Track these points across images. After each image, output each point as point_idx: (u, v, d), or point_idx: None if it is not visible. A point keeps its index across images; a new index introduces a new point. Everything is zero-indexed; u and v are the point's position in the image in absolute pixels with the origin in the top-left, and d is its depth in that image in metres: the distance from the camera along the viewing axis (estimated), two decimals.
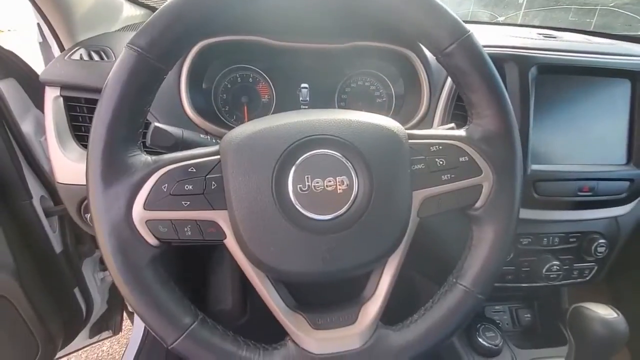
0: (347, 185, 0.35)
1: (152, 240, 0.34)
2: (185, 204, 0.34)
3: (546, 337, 0.75)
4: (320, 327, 0.37)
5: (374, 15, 0.37)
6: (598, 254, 0.66)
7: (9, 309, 0.66)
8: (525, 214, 0.61)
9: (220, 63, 0.65)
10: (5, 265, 0.63)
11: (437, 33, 0.36)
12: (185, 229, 0.34)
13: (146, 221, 0.33)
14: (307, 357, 0.36)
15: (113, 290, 0.97)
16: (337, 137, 0.35)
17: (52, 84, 0.56)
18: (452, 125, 0.47)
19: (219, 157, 0.35)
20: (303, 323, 0.37)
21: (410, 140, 0.38)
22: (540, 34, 0.73)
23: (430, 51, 0.39)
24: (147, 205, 0.33)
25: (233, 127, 0.65)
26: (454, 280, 0.39)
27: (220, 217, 0.34)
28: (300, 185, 0.34)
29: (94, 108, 0.33)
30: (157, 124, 0.40)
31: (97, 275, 0.91)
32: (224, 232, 0.35)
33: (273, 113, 0.68)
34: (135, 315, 0.59)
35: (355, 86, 0.69)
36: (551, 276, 0.64)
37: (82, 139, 0.58)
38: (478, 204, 0.39)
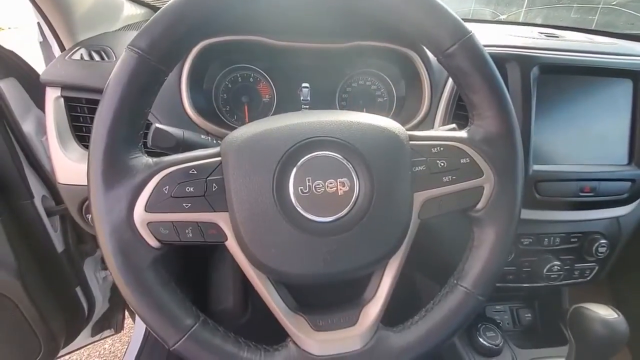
0: (348, 187, 0.35)
1: (153, 242, 0.34)
2: (187, 206, 0.34)
3: (547, 337, 0.75)
4: (321, 328, 0.38)
5: (374, 15, 0.37)
6: (599, 254, 0.66)
7: (11, 308, 0.66)
8: (527, 214, 0.61)
9: (221, 63, 0.65)
10: (7, 265, 0.63)
11: (438, 34, 0.36)
12: (187, 231, 0.34)
13: (147, 223, 0.33)
14: (308, 358, 0.36)
15: (115, 289, 0.98)
16: (338, 139, 0.35)
17: (52, 85, 0.56)
18: (454, 125, 0.47)
19: (219, 158, 0.35)
20: (304, 324, 0.38)
21: (411, 142, 0.38)
22: (542, 33, 0.73)
23: (432, 52, 0.39)
24: (149, 208, 0.33)
25: (234, 127, 0.65)
26: (455, 281, 0.39)
27: (221, 219, 0.35)
28: (302, 187, 0.34)
29: (95, 108, 0.33)
30: (158, 125, 0.40)
31: (99, 274, 0.91)
32: (225, 234, 0.35)
33: (274, 113, 0.68)
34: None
35: (356, 86, 0.68)
36: (552, 276, 0.64)
37: (83, 139, 0.58)
38: (479, 206, 0.39)
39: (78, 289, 0.82)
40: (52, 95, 0.56)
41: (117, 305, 1.01)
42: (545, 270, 0.64)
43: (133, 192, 0.33)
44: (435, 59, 0.39)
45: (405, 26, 0.37)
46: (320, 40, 0.61)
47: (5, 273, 0.63)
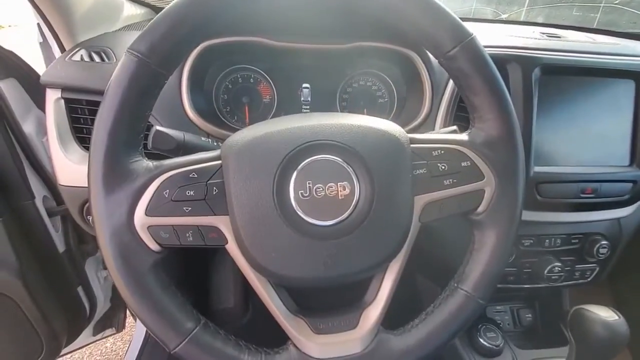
0: (349, 190, 0.35)
1: (153, 245, 0.34)
2: (187, 209, 0.34)
3: (547, 338, 0.76)
4: (322, 331, 0.38)
5: (375, 16, 0.37)
6: (600, 256, 0.66)
7: (13, 309, 0.66)
8: (528, 215, 0.61)
9: (221, 64, 0.64)
10: (9, 265, 0.64)
11: (439, 36, 0.36)
12: (187, 235, 0.34)
13: (148, 227, 0.33)
14: None
15: (116, 288, 0.98)
16: (339, 143, 0.35)
17: (53, 86, 0.56)
18: (455, 127, 0.47)
19: (220, 162, 0.35)
20: (304, 327, 0.38)
21: (412, 145, 0.38)
22: (543, 33, 0.72)
23: (433, 54, 0.39)
24: (149, 211, 0.33)
25: (234, 128, 0.65)
26: (455, 284, 0.39)
27: (222, 223, 0.35)
28: (302, 191, 0.34)
29: (96, 110, 0.33)
30: (158, 128, 0.40)
31: (100, 274, 0.91)
32: (225, 237, 0.35)
33: (274, 113, 0.67)
34: None
35: (357, 86, 0.68)
36: (553, 277, 0.64)
37: (83, 140, 0.58)
38: (480, 209, 0.39)
39: (79, 289, 0.82)
40: (52, 97, 0.56)
41: (119, 305, 1.01)
42: (546, 271, 0.64)
43: (133, 196, 0.33)
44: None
45: (406, 27, 0.37)
46: (321, 41, 0.61)
47: (7, 273, 0.64)
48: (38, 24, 0.65)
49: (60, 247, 0.76)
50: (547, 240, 0.66)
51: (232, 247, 0.35)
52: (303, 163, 0.34)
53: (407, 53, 0.61)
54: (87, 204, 0.55)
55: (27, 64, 0.70)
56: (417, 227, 0.38)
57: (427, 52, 0.61)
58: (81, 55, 0.58)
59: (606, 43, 0.70)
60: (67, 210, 0.62)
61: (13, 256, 0.64)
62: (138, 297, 0.33)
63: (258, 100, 0.67)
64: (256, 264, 0.35)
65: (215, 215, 0.34)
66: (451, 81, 0.60)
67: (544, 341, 0.75)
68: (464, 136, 0.39)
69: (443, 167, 0.37)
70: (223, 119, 0.66)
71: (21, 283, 0.65)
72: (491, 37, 0.65)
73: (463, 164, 0.38)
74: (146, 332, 0.91)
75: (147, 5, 0.84)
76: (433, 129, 0.61)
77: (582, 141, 0.63)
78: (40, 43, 0.67)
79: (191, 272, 0.97)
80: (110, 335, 1.06)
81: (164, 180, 0.34)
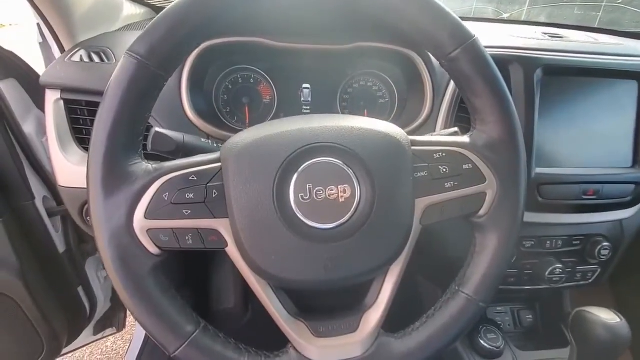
0: (350, 193, 0.34)
1: (153, 249, 0.33)
2: (187, 212, 0.33)
3: (548, 339, 0.75)
4: (322, 334, 0.37)
5: (376, 16, 0.36)
6: (602, 257, 0.66)
7: (13, 309, 0.66)
8: (529, 217, 0.61)
9: (221, 64, 0.64)
10: (9, 266, 0.64)
11: (441, 37, 0.36)
12: (187, 238, 0.34)
13: (147, 230, 0.33)
14: None
15: None
16: (339, 145, 0.35)
17: (52, 87, 0.56)
18: (456, 129, 0.47)
19: (220, 164, 0.35)
20: (305, 330, 0.37)
21: (413, 147, 0.37)
22: (545, 33, 0.72)
23: (434, 56, 0.38)
24: (148, 215, 0.33)
25: (234, 129, 0.65)
26: (457, 287, 0.39)
27: (222, 226, 0.34)
28: (302, 194, 0.34)
29: (95, 111, 0.33)
30: (157, 129, 0.40)
31: (101, 274, 0.91)
32: (225, 240, 0.35)
33: (275, 114, 0.67)
34: None
35: (357, 87, 0.68)
36: (554, 279, 0.64)
37: (83, 141, 0.58)
38: (481, 212, 0.38)
39: (80, 289, 0.82)
40: (52, 98, 0.56)
41: (119, 305, 1.01)
42: (547, 272, 0.64)
43: (133, 198, 0.33)
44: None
45: (407, 29, 0.36)
46: (322, 42, 0.60)
47: (7, 273, 0.64)
48: (38, 24, 0.65)
49: (61, 247, 0.76)
50: (548, 242, 0.65)
51: (232, 250, 0.35)
52: (303, 166, 0.34)
53: (408, 53, 0.61)
54: (87, 205, 0.55)
55: (27, 64, 0.70)
56: (418, 230, 0.38)
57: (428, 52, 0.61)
58: (81, 56, 0.58)
59: (609, 43, 0.70)
60: (67, 210, 0.62)
61: (13, 256, 0.64)
62: (137, 300, 0.33)
63: (258, 100, 0.66)
64: (256, 267, 0.35)
65: (215, 218, 0.34)
66: (452, 82, 0.60)
67: (544, 342, 0.75)
68: (465, 139, 0.39)
69: (444, 170, 0.37)
70: (223, 119, 0.66)
71: (22, 283, 0.65)
72: (493, 37, 0.64)
73: (464, 166, 0.38)
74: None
75: (147, 4, 0.83)
76: (434, 130, 0.60)
77: (584, 142, 0.62)
78: (40, 43, 0.67)
79: (191, 273, 0.97)
80: (111, 334, 1.06)
81: (163, 183, 0.33)
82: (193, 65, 0.57)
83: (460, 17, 0.36)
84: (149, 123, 0.46)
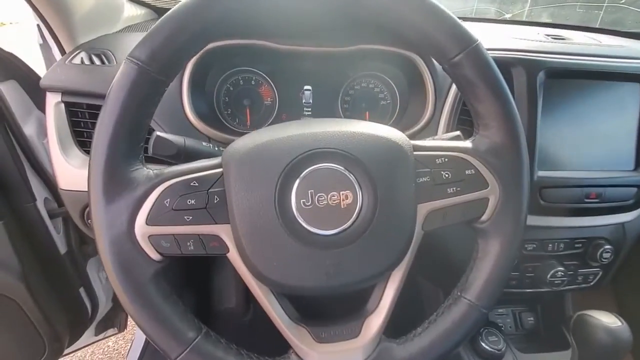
0: (351, 199, 0.34)
1: (154, 255, 0.33)
2: (188, 218, 0.33)
3: (549, 341, 0.75)
4: (324, 340, 0.37)
5: (378, 21, 0.36)
6: (603, 260, 0.65)
7: (15, 310, 0.66)
8: (531, 220, 0.60)
9: (223, 66, 0.64)
10: (11, 267, 0.64)
11: (443, 42, 0.35)
12: (188, 244, 0.34)
13: (149, 236, 0.33)
14: None
15: None
16: (341, 151, 0.35)
17: (53, 90, 0.56)
18: (458, 133, 0.46)
19: (221, 170, 0.35)
20: (306, 336, 0.37)
21: (415, 152, 0.37)
22: (548, 35, 0.71)
23: (437, 60, 0.38)
24: (150, 221, 0.33)
25: (235, 132, 0.64)
26: (459, 293, 0.39)
27: (223, 231, 0.34)
28: (304, 200, 0.34)
29: (96, 114, 0.33)
30: (158, 133, 0.40)
31: (102, 275, 0.91)
32: (226, 246, 0.35)
33: (276, 115, 0.67)
34: None
35: (359, 88, 0.68)
36: (555, 282, 0.64)
37: (84, 144, 0.58)
38: (484, 218, 0.38)
39: (81, 290, 0.82)
40: (52, 101, 0.56)
41: (121, 305, 1.01)
42: (548, 276, 0.64)
43: (134, 205, 0.33)
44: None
45: (409, 33, 0.36)
46: (323, 44, 0.60)
47: (8, 275, 0.64)
48: (38, 25, 0.64)
49: (62, 249, 0.76)
50: (550, 245, 0.65)
51: (233, 256, 0.35)
52: (305, 171, 0.34)
53: (409, 56, 0.61)
54: (88, 208, 0.55)
55: (27, 66, 0.69)
56: (420, 236, 0.37)
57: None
58: (81, 58, 0.58)
59: (611, 45, 0.70)
60: (68, 212, 0.62)
61: (15, 258, 0.64)
62: (139, 307, 0.33)
63: (259, 102, 0.66)
64: (258, 273, 0.35)
65: (216, 224, 0.34)
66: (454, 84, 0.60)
67: (546, 345, 0.75)
68: (467, 143, 0.39)
69: (447, 175, 0.37)
70: (224, 121, 0.66)
71: (23, 285, 0.65)
72: (495, 39, 0.64)
73: (467, 172, 0.37)
74: None
75: (148, 5, 0.83)
76: (436, 133, 0.60)
77: (586, 145, 0.62)
78: (40, 45, 0.67)
79: (192, 273, 0.97)
80: (113, 335, 1.06)
81: (164, 189, 0.33)
82: (194, 67, 0.57)
83: (462, 17, 0.36)
84: (150, 126, 0.46)
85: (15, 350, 0.71)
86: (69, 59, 0.57)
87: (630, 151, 0.63)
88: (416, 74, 0.62)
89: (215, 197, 0.34)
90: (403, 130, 0.39)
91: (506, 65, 0.58)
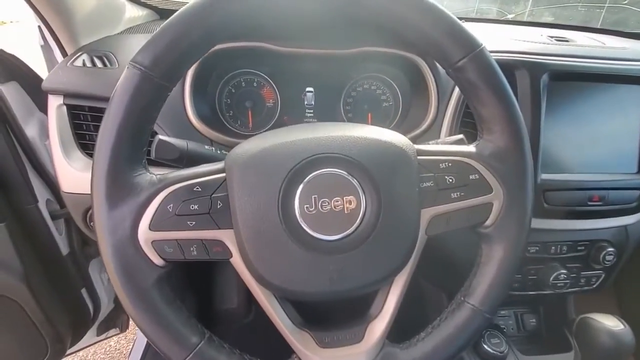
0: (355, 204, 0.34)
1: (157, 260, 0.33)
2: (191, 223, 0.33)
3: (551, 343, 0.75)
4: (327, 345, 0.37)
5: (382, 25, 0.36)
6: (606, 263, 0.65)
7: (17, 312, 0.67)
8: (534, 223, 0.59)
9: (224, 68, 0.64)
10: (13, 269, 0.64)
11: (447, 46, 0.35)
12: (191, 249, 0.34)
13: (152, 242, 0.33)
14: None
15: None
16: (345, 156, 0.35)
17: (55, 92, 0.56)
18: (461, 136, 0.46)
19: (224, 174, 0.35)
20: (309, 341, 0.37)
21: (419, 157, 0.37)
22: (551, 36, 0.71)
23: (440, 64, 0.38)
24: (153, 226, 0.33)
25: (237, 134, 0.64)
26: (462, 298, 0.39)
27: (226, 236, 0.34)
28: (307, 205, 0.34)
29: (98, 116, 0.33)
30: (161, 137, 0.40)
31: (104, 276, 0.92)
32: (230, 251, 0.35)
33: (278, 117, 0.67)
34: None
35: (361, 90, 0.67)
36: (558, 284, 0.64)
37: (86, 147, 0.58)
38: (488, 222, 0.38)
39: (83, 291, 0.82)
40: (54, 103, 0.56)
41: (122, 306, 1.01)
42: (551, 278, 0.63)
43: (137, 210, 0.33)
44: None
45: (413, 37, 0.36)
46: (325, 46, 0.60)
47: (11, 276, 0.64)
48: (39, 26, 0.64)
49: (64, 250, 0.76)
50: (553, 247, 0.65)
51: (236, 261, 0.35)
52: (309, 177, 0.34)
53: (412, 58, 0.61)
54: (91, 211, 0.55)
55: (28, 67, 0.69)
56: (424, 241, 0.37)
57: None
58: (83, 61, 0.58)
59: (615, 47, 0.69)
60: (70, 213, 0.62)
61: (17, 259, 0.64)
62: (142, 312, 0.33)
63: (261, 104, 0.66)
64: (261, 278, 0.35)
65: (219, 229, 0.34)
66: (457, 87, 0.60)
67: (548, 346, 0.75)
68: (471, 148, 0.39)
69: (450, 180, 0.37)
70: (226, 123, 0.65)
71: (25, 286, 0.65)
72: (498, 41, 0.64)
73: (471, 176, 0.37)
74: None
75: (150, 6, 0.83)
76: (439, 136, 0.60)
77: (589, 148, 0.62)
78: (41, 46, 0.67)
79: (194, 274, 0.97)
80: (114, 335, 1.06)
81: (168, 194, 0.33)
82: (196, 70, 0.57)
83: (463, 18, 0.35)
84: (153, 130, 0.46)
85: (17, 351, 0.72)
86: (70, 61, 0.57)
87: (634, 154, 0.63)
88: (419, 76, 0.61)
89: (219, 202, 0.34)
90: (406, 132, 0.39)
91: (510, 67, 0.58)
